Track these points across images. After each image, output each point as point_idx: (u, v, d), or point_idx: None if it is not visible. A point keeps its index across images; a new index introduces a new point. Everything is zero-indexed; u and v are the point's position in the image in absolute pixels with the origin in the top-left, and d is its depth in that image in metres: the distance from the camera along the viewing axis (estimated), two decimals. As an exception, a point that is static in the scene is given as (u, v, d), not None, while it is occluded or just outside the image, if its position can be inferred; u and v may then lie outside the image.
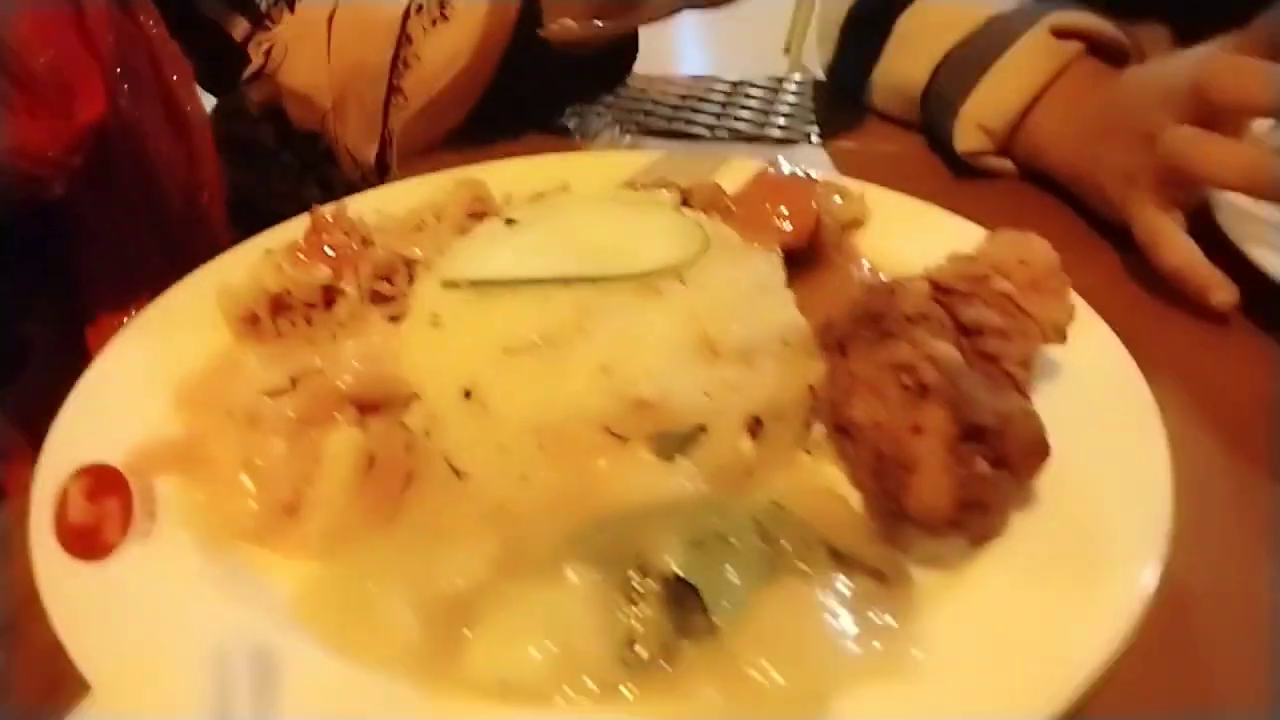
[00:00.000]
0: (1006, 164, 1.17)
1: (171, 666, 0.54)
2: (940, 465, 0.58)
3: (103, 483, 0.69)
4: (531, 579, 0.59)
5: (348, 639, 0.59)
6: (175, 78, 1.14)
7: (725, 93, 1.53)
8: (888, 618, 0.57)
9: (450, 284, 0.71)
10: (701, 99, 1.51)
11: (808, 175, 1.00)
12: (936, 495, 0.58)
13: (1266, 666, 0.61)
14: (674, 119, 1.44)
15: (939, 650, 0.55)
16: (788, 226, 0.90)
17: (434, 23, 1.23)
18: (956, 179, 1.19)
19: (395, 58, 1.24)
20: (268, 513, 0.68)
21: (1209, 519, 0.73)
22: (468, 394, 0.68)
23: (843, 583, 0.58)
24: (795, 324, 0.75)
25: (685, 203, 0.93)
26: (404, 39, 1.24)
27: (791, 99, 1.50)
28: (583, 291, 0.68)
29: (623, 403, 0.66)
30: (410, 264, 0.85)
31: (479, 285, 0.70)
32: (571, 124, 1.41)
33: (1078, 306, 0.77)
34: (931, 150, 1.26)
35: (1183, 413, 0.80)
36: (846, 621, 0.56)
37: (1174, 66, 0.97)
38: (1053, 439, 0.64)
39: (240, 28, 1.38)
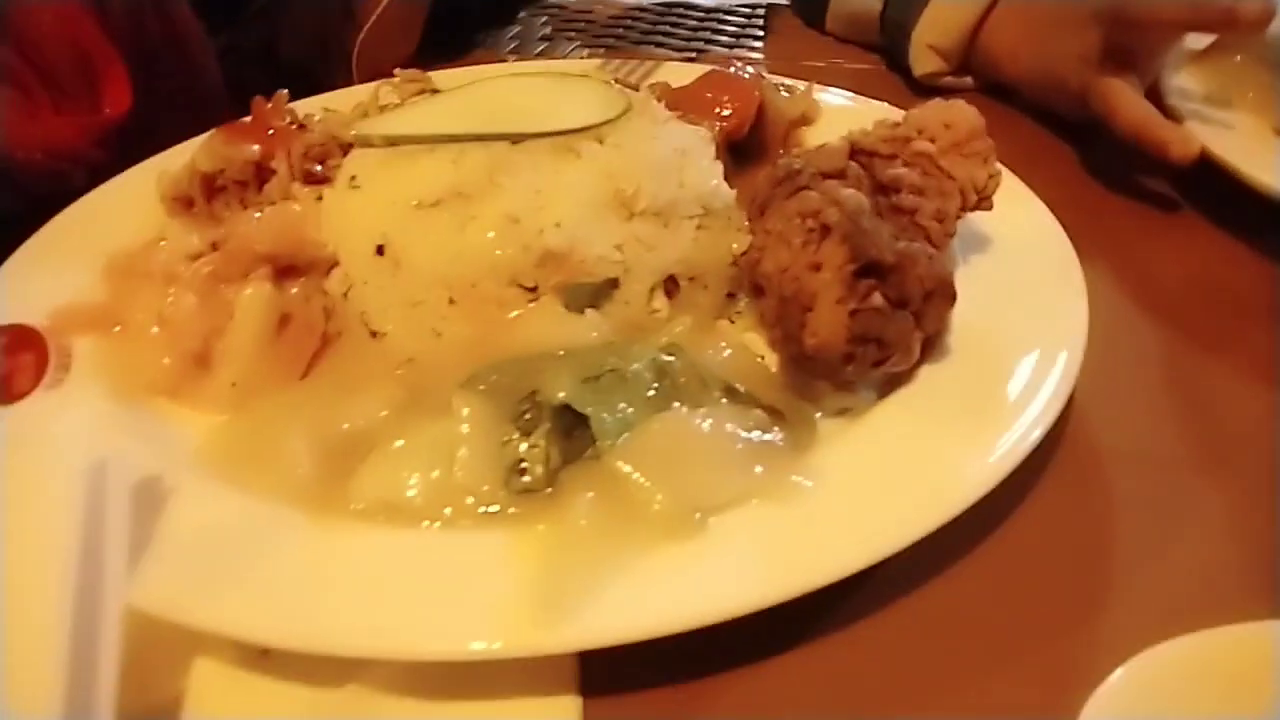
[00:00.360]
0: (965, 81, 1.15)
1: (54, 484, 0.54)
2: (834, 298, 0.57)
3: (19, 339, 0.70)
4: (426, 416, 0.59)
5: (241, 473, 0.59)
6: (199, 57, 1.11)
7: (699, 18, 1.51)
8: (774, 439, 0.56)
9: (364, 140, 0.71)
10: (675, 23, 1.50)
11: (757, 73, 0.99)
12: (831, 326, 0.57)
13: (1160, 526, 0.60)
14: (644, 40, 1.43)
15: (822, 478, 0.54)
16: (728, 114, 0.89)
17: None
18: (916, 96, 1.17)
19: None
20: (178, 365, 0.68)
21: (1131, 387, 0.72)
22: (380, 250, 0.68)
23: (734, 414, 0.57)
24: (719, 193, 0.74)
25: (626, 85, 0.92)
26: None
27: (765, 29, 1.48)
28: (498, 150, 0.68)
29: (531, 254, 0.65)
30: (344, 147, 0.85)
31: (395, 142, 0.69)
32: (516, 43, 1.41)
33: (1013, 182, 0.77)
34: (890, 69, 1.24)
35: (1115, 289, 0.80)
36: (732, 448, 0.55)
37: None
38: (967, 293, 0.63)
39: None
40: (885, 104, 0.96)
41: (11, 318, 0.72)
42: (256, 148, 0.82)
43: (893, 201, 0.66)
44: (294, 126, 0.87)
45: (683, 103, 0.91)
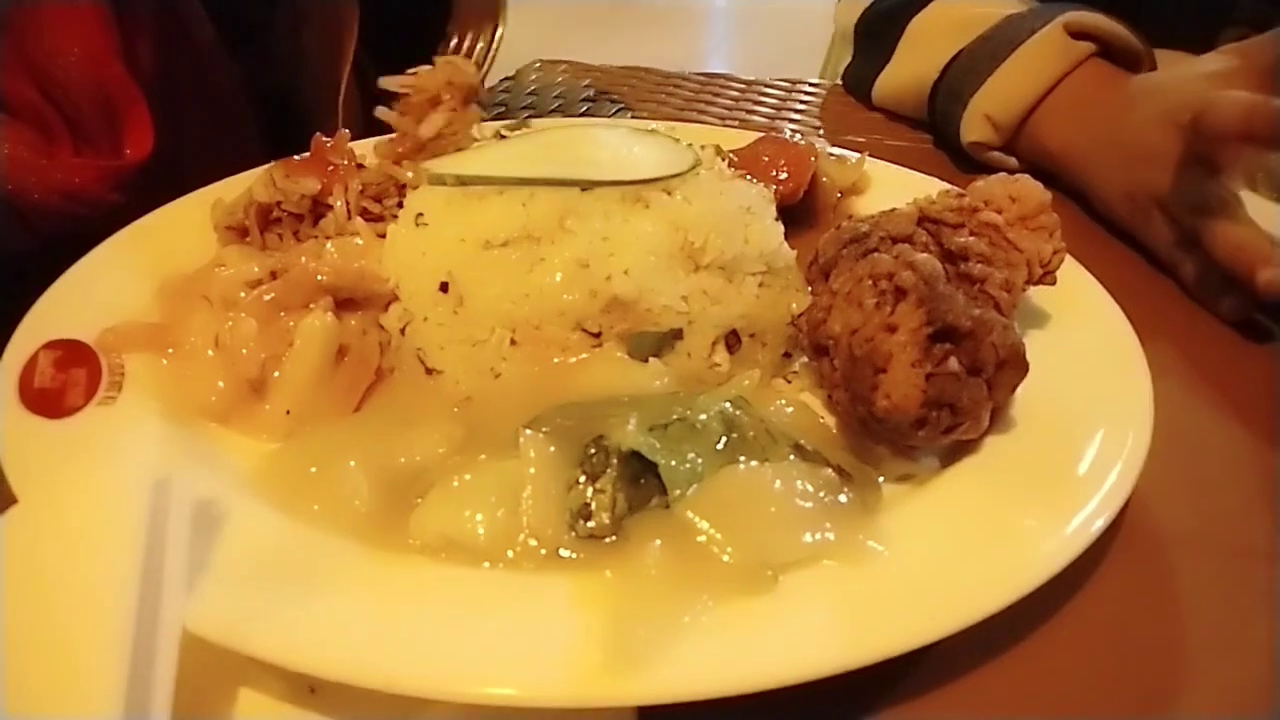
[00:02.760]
0: (1010, 160, 1.17)
1: (104, 496, 0.52)
2: (910, 360, 0.57)
3: (72, 354, 0.69)
4: (489, 453, 0.58)
5: (297, 501, 0.57)
6: (227, 100, 1.12)
7: (740, 89, 1.54)
8: (844, 500, 0.55)
9: (437, 179, 0.71)
10: (716, 94, 1.52)
11: (810, 140, 1.00)
12: (905, 389, 0.57)
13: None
14: (685, 109, 1.45)
15: (893, 544, 0.53)
16: (784, 177, 0.90)
17: None
18: (961, 173, 1.19)
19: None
20: (234, 390, 0.67)
21: (1199, 473, 0.71)
22: (444, 286, 0.68)
23: (804, 471, 0.56)
24: (781, 252, 0.74)
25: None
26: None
27: (805, 99, 1.51)
28: (568, 195, 0.68)
29: (598, 299, 0.65)
30: (401, 188, 0.85)
31: (465, 182, 0.69)
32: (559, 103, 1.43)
33: (1071, 263, 0.77)
34: (937, 147, 1.26)
35: (1169, 375, 0.79)
36: (804, 506, 0.54)
37: (1178, 82, 0.96)
38: (1034, 364, 0.63)
39: None
40: (936, 178, 0.97)
41: (64, 334, 0.71)
42: (315, 183, 0.82)
43: (961, 270, 0.66)
44: (352, 165, 0.87)
45: (740, 164, 0.92)
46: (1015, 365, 0.60)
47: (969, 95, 1.15)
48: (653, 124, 0.82)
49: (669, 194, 0.70)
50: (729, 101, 1.50)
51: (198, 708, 0.50)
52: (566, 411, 0.60)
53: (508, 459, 0.56)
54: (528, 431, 0.57)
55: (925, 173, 1.02)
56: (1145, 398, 0.65)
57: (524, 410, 0.61)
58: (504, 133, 0.79)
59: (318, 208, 0.84)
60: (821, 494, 0.55)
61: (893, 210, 0.70)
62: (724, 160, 0.83)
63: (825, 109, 1.46)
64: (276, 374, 0.67)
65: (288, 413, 0.66)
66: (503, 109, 1.42)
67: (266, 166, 0.89)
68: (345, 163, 0.87)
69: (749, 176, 0.84)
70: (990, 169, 1.15)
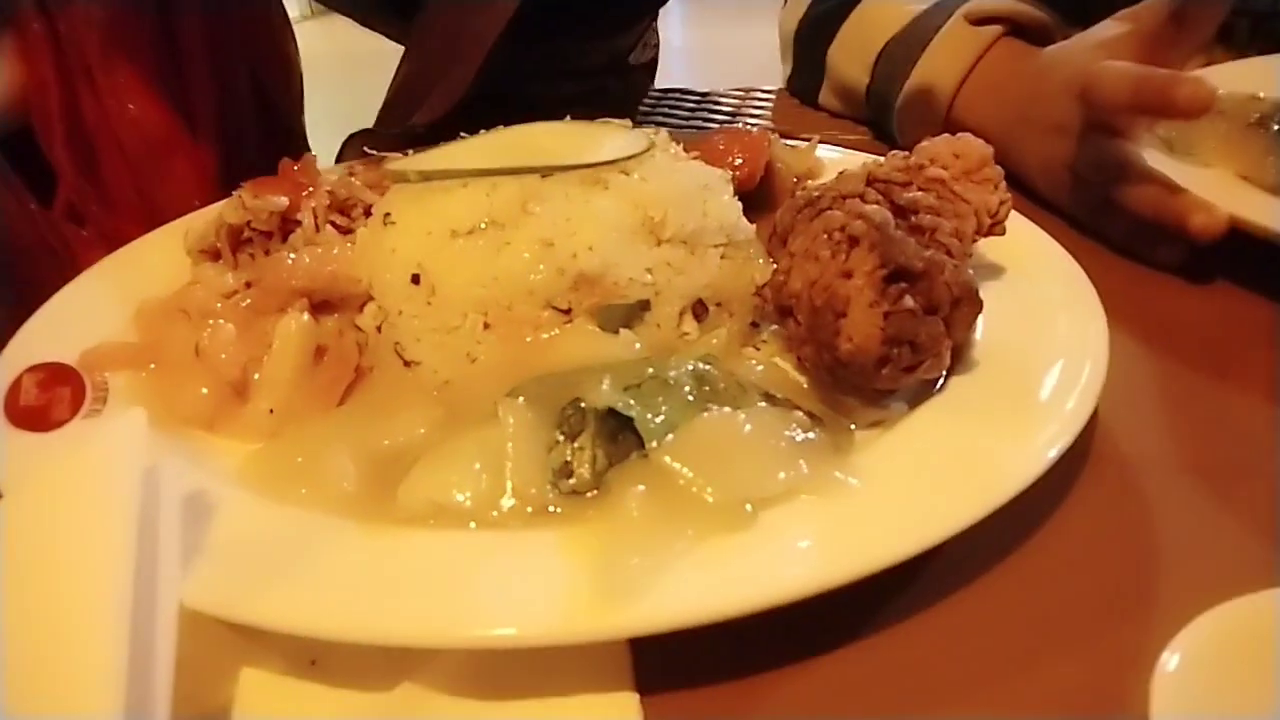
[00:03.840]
0: None
1: (95, 484, 0.53)
2: (867, 301, 0.59)
3: (56, 375, 0.70)
4: (469, 425, 0.60)
5: (285, 489, 0.59)
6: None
7: (695, 101, 1.58)
8: (815, 439, 0.57)
9: (399, 176, 0.73)
10: (673, 106, 1.56)
11: (765, 130, 1.03)
12: (865, 329, 0.59)
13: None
14: (643, 121, 1.49)
15: (864, 476, 0.55)
16: (740, 163, 0.93)
17: None
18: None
19: None
20: (216, 394, 0.68)
21: (1157, 402, 0.74)
22: (415, 279, 0.70)
23: (775, 415, 0.58)
24: (741, 225, 0.77)
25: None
26: None
27: (759, 105, 1.55)
28: (529, 182, 0.70)
29: (565, 276, 0.67)
30: (368, 207, 0.87)
31: (428, 177, 0.72)
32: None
33: (1014, 216, 0.80)
34: (880, 140, 1.30)
35: (1122, 318, 0.82)
36: (777, 445, 0.56)
37: (1075, 53, 0.98)
38: (987, 310, 0.65)
39: None
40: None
41: (46, 357, 0.73)
42: (284, 199, 0.84)
43: (911, 223, 0.68)
44: (319, 182, 0.90)
45: (697, 155, 0.95)
46: (970, 302, 0.62)
47: (894, 98, 1.20)
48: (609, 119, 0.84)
49: (626, 174, 0.72)
50: (685, 112, 1.54)
51: (198, 688, 0.51)
52: (543, 382, 0.62)
53: (486, 427, 0.58)
54: (505, 399, 0.58)
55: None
56: (1100, 330, 0.67)
57: (501, 386, 0.63)
58: (463, 134, 0.81)
59: (286, 224, 0.85)
60: (793, 434, 0.57)
61: (843, 173, 0.73)
62: (680, 146, 0.87)
63: (778, 111, 1.50)
64: (257, 376, 0.69)
65: (271, 412, 0.67)
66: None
67: (236, 191, 0.91)
68: (312, 180, 0.90)
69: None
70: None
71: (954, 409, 0.62)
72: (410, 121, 1.14)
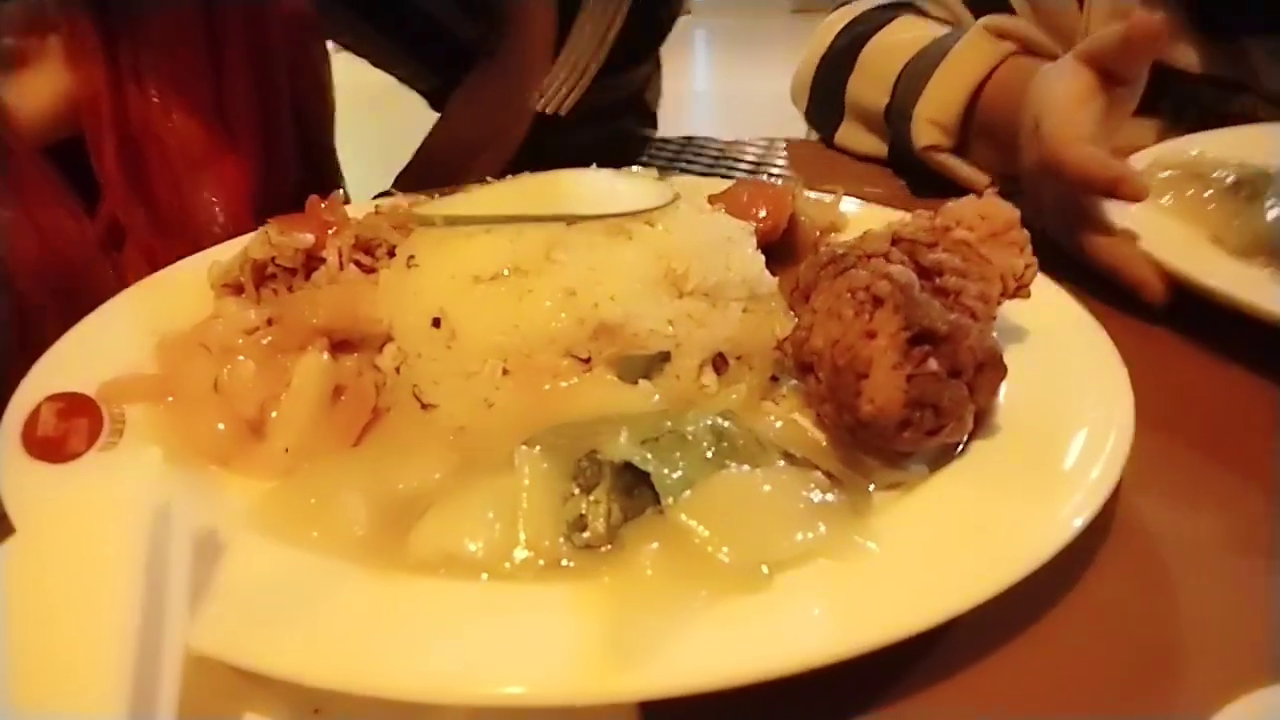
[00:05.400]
0: (961, 167, 1.22)
1: (105, 520, 0.52)
2: (890, 364, 0.59)
3: (74, 406, 0.70)
4: (484, 473, 0.59)
5: (296, 532, 0.58)
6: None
7: (718, 150, 1.59)
8: (834, 501, 0.56)
9: (425, 220, 0.73)
10: (696, 153, 1.57)
11: (788, 183, 1.03)
12: (888, 391, 0.58)
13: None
14: (667, 169, 1.49)
15: (883, 540, 0.54)
16: (763, 215, 0.93)
17: None
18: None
19: None
20: (232, 431, 0.68)
21: (1183, 473, 0.73)
22: (437, 322, 0.70)
23: (794, 475, 0.57)
24: (764, 279, 0.77)
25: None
26: None
27: (784, 154, 1.55)
28: (554, 230, 0.70)
29: (586, 326, 0.67)
30: (392, 248, 0.88)
31: (453, 222, 0.72)
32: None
33: (1040, 278, 0.79)
34: (913, 194, 1.30)
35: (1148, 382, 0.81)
36: (795, 506, 0.55)
37: (1045, 96, 1.01)
38: (1010, 375, 0.65)
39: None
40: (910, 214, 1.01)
41: (66, 388, 0.73)
42: (310, 236, 0.84)
43: (936, 284, 0.68)
44: (346, 220, 0.90)
45: (719, 204, 0.95)
46: (994, 367, 0.62)
47: (912, 108, 1.22)
48: (633, 169, 0.85)
49: (651, 225, 0.72)
50: (709, 160, 1.54)
51: (201, 728, 0.50)
52: (560, 431, 0.61)
53: (501, 476, 0.58)
54: (522, 448, 0.58)
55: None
56: (1125, 398, 0.66)
57: (518, 434, 0.62)
58: (489, 178, 0.81)
59: (311, 261, 0.86)
60: (812, 495, 0.57)
61: (867, 232, 0.73)
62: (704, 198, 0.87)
63: (802, 160, 1.50)
64: (274, 414, 0.69)
65: (286, 450, 0.67)
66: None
67: (262, 227, 0.92)
68: (338, 219, 0.90)
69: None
70: (954, 186, 1.20)
71: (975, 474, 0.61)
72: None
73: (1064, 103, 0.98)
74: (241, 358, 0.70)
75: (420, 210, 0.76)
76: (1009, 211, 0.74)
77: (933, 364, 0.59)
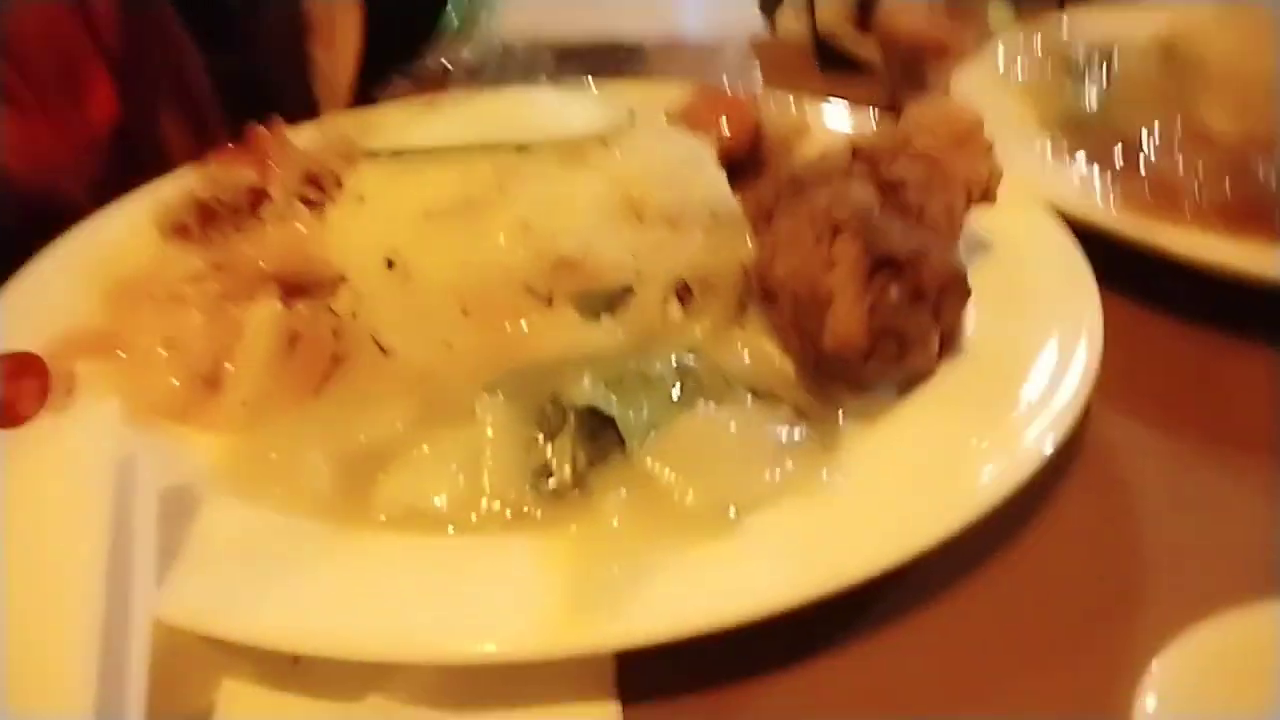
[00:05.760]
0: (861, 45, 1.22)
1: (67, 485, 0.52)
2: (853, 294, 0.58)
3: (20, 366, 0.68)
4: (447, 424, 0.59)
5: (259, 489, 0.58)
6: (190, 70, 1.11)
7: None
8: (801, 438, 0.56)
9: (371, 154, 0.70)
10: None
11: (751, 92, 1.00)
12: (850, 323, 0.57)
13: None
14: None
15: (851, 477, 0.54)
16: (727, 132, 0.90)
17: None
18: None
19: None
20: (188, 386, 0.67)
21: (1140, 387, 0.73)
22: (390, 263, 0.67)
23: (761, 412, 0.57)
24: (725, 200, 0.74)
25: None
26: None
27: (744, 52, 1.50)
28: (506, 158, 0.68)
29: (544, 260, 0.65)
30: (339, 177, 0.84)
31: (401, 155, 0.69)
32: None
33: (1009, 182, 0.78)
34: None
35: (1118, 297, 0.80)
36: (762, 444, 0.55)
37: None
38: (977, 293, 0.64)
39: None
40: (877, 111, 0.98)
41: (11, 345, 0.71)
42: (251, 173, 0.81)
43: (899, 200, 0.67)
44: (290, 152, 0.87)
45: (682, 121, 0.92)
46: (958, 289, 0.61)
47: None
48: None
49: (606, 148, 0.69)
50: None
51: (176, 689, 0.50)
52: (522, 375, 0.60)
53: (464, 427, 0.57)
54: (484, 396, 0.57)
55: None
56: (1094, 312, 0.66)
57: (478, 379, 0.61)
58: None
59: (258, 198, 0.83)
60: (779, 433, 0.56)
61: (826, 151, 0.71)
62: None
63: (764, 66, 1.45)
64: (229, 366, 0.67)
65: (244, 404, 0.66)
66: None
67: (204, 162, 0.88)
68: (281, 151, 0.87)
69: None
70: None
71: (943, 401, 0.61)
72: None
73: None
74: (190, 310, 0.68)
75: (365, 144, 0.72)
76: (972, 116, 0.72)
77: (894, 292, 0.58)
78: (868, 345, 0.58)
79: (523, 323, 0.65)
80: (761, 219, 0.72)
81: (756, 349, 0.67)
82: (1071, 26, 1.15)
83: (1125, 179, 0.84)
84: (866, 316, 0.57)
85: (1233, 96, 0.90)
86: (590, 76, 1.38)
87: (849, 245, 0.59)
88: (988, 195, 0.71)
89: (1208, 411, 0.71)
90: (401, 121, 0.76)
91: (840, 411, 0.62)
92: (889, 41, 1.02)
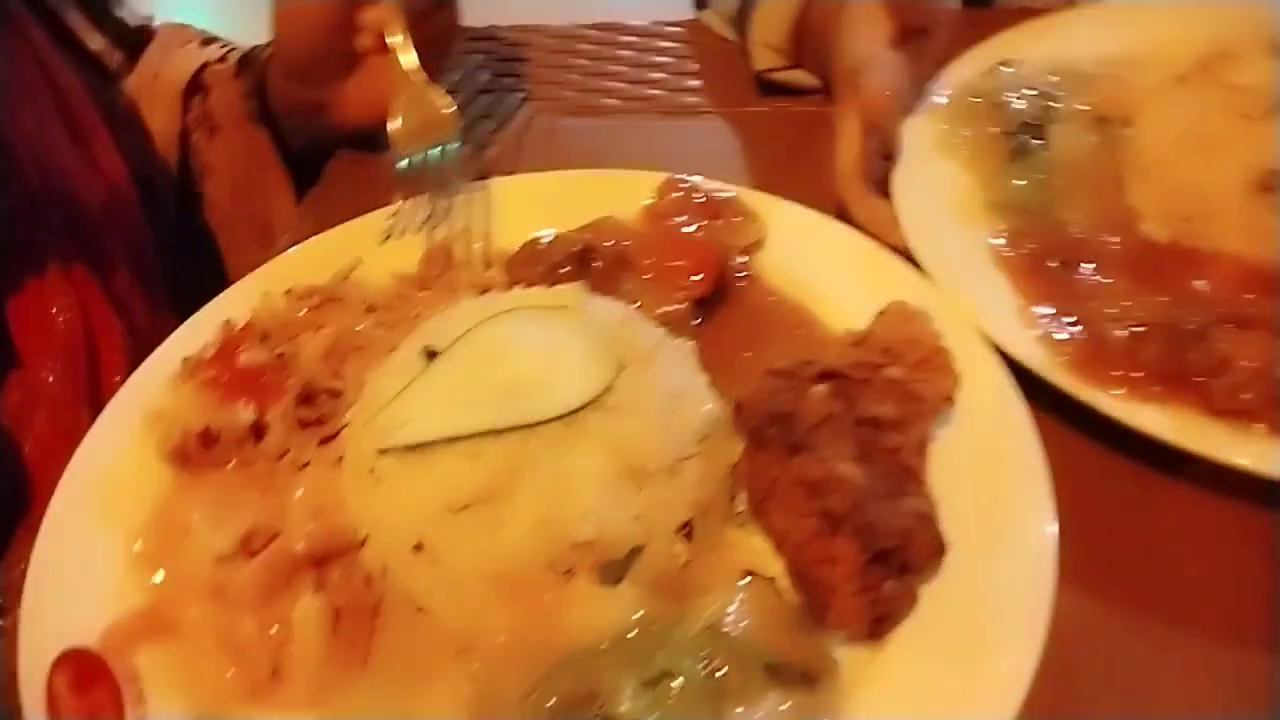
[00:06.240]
0: (799, 76, 1.26)
1: None
2: (853, 592, 0.66)
3: (85, 672, 0.73)
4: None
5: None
6: (67, 87, 1.16)
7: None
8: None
9: (385, 452, 0.74)
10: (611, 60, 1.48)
11: (708, 203, 1.02)
12: (853, 618, 0.66)
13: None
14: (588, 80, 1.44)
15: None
16: (696, 277, 0.94)
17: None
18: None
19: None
20: (249, 679, 0.73)
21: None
22: (418, 547, 0.73)
23: (777, 701, 0.66)
24: (711, 415, 0.80)
25: (590, 258, 0.95)
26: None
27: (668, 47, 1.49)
28: (511, 441, 0.72)
29: (564, 544, 0.71)
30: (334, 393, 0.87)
31: (415, 448, 0.73)
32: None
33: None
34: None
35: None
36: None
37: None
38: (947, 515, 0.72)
39: (99, 42, 1.33)
40: (830, 219, 1.02)
41: (61, 638, 0.75)
42: (252, 413, 0.84)
43: (877, 441, 0.73)
44: (274, 357, 0.89)
45: (647, 265, 0.96)
46: (937, 553, 0.69)
47: (748, 28, 1.27)
48: (564, 291, 0.84)
49: (603, 412, 0.74)
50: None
51: None
52: (563, 672, 0.68)
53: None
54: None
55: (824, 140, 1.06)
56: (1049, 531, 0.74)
57: (520, 664, 0.69)
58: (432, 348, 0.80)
59: (256, 426, 0.86)
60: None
61: (793, 373, 0.76)
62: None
63: (709, 74, 1.43)
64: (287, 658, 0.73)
65: (307, 690, 0.73)
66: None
67: (184, 358, 0.90)
68: (265, 357, 0.89)
69: (658, 286, 0.90)
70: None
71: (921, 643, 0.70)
72: None
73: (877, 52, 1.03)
74: (237, 613, 0.73)
75: (376, 436, 0.75)
76: (934, 335, 0.78)
77: (890, 586, 0.66)
78: (870, 629, 0.66)
79: (550, 596, 0.72)
80: (746, 434, 0.78)
81: (756, 600, 0.73)
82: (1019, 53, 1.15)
83: (1063, 306, 0.88)
84: (867, 609, 0.66)
85: (1162, 194, 0.96)
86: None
87: (848, 545, 0.66)
88: (950, 403, 0.78)
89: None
90: (396, 380, 0.78)
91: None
92: (872, 113, 1.01)
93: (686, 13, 1.54)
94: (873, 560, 0.66)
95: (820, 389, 0.75)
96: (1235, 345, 0.80)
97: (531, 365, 0.77)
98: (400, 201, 1.09)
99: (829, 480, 0.68)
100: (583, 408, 0.73)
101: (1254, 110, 0.91)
